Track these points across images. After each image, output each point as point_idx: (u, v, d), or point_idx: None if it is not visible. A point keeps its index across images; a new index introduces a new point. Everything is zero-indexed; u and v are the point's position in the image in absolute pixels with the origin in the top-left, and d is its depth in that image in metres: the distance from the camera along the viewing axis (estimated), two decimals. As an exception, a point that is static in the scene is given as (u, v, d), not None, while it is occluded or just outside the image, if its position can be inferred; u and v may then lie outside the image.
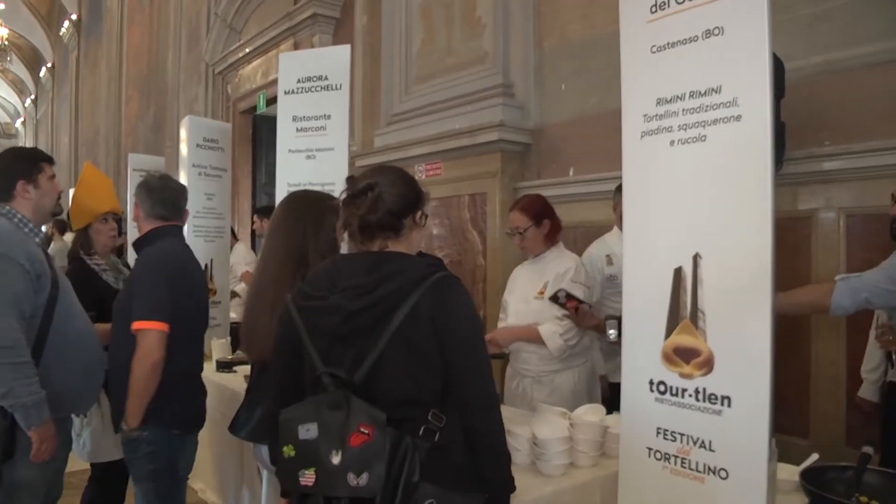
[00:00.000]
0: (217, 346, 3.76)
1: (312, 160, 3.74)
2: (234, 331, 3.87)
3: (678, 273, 1.66)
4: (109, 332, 2.35)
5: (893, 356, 2.53)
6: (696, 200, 1.63)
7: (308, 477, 1.37)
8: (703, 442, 1.63)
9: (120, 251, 3.82)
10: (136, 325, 2.16)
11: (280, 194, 3.69)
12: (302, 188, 2.58)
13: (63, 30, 17.72)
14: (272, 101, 6.68)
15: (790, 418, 2.89)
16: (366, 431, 1.35)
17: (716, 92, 1.57)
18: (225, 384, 3.25)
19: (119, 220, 3.14)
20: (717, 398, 1.60)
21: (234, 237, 5.57)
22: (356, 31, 5.80)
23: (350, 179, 1.57)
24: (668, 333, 1.68)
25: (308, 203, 2.10)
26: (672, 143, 1.67)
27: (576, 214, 3.75)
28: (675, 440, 1.68)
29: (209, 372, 3.01)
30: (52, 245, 7.28)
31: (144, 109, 11.52)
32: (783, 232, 2.24)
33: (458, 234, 4.50)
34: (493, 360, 1.62)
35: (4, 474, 2.03)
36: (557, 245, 2.86)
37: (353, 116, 5.09)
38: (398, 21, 5.15)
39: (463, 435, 1.47)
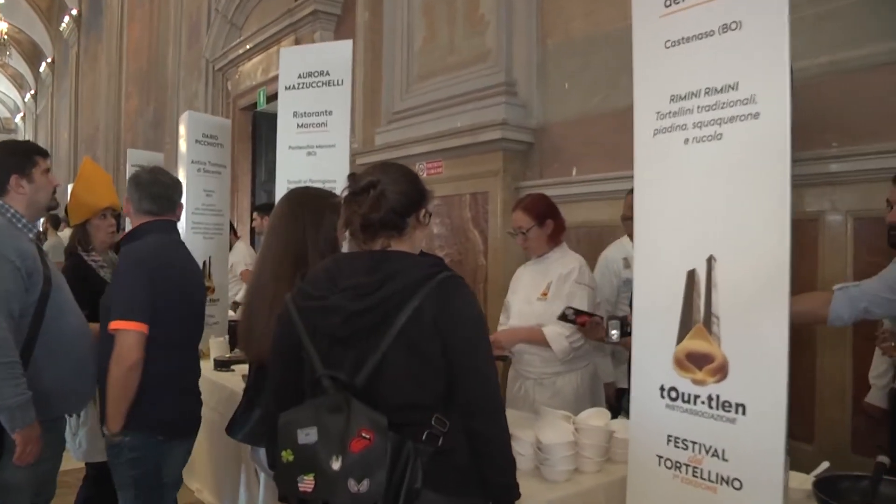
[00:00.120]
0: (215, 345, 3.72)
1: (313, 157, 3.69)
2: (233, 329, 3.83)
3: (691, 276, 1.61)
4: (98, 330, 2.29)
5: None
6: (710, 201, 1.59)
7: (307, 483, 1.34)
8: (715, 450, 1.58)
9: (118, 248, 3.77)
10: (112, 325, 2.06)
11: (280, 191, 3.64)
12: (302, 185, 2.54)
13: (63, 25, 17.67)
14: (272, 97, 6.66)
15: (795, 423, 2.83)
16: (367, 436, 1.32)
17: (732, 88, 1.53)
18: (223, 383, 3.22)
19: (118, 216, 3.09)
20: (731, 406, 1.55)
21: (235, 235, 5.53)
22: (357, 27, 5.77)
23: (352, 177, 1.54)
24: (681, 338, 1.64)
25: (308, 200, 2.06)
26: (686, 141, 1.63)
27: (578, 214, 3.71)
28: (686, 448, 1.64)
29: (206, 371, 2.97)
30: (46, 241, 7.23)
31: (144, 105, 11.48)
32: (789, 234, 2.21)
33: (460, 233, 4.47)
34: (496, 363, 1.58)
35: None
36: (561, 245, 2.82)
37: (354, 114, 5.06)
38: (400, 18, 5.12)
39: (466, 439, 1.44)
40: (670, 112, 1.66)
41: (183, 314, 2.26)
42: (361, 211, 1.47)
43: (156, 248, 2.23)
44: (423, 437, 1.38)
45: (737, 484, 1.55)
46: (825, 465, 1.84)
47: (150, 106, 11.15)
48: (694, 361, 1.61)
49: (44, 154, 2.25)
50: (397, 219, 1.48)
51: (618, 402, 3.02)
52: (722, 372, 1.56)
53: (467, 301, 1.46)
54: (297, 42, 6.42)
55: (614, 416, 2.22)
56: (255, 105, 7.61)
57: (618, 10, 3.67)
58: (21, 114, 26.80)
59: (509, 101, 4.17)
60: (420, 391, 1.41)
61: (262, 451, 1.94)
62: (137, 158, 5.64)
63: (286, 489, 1.38)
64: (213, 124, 4.60)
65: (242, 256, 5.42)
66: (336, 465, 1.31)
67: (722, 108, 1.55)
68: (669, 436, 1.68)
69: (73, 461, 2.72)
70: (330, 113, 3.68)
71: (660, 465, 1.70)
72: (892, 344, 2.33)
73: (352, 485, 1.30)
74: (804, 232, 2.92)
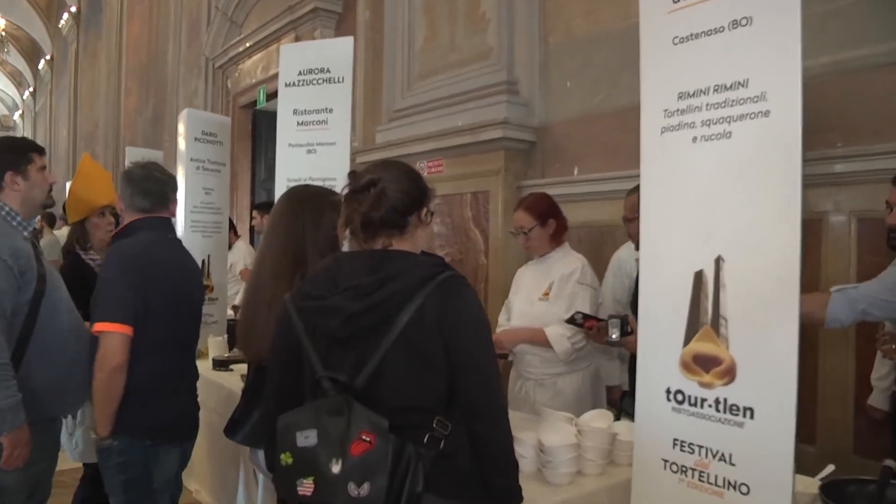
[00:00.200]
0: (213, 344, 3.69)
1: (313, 155, 3.66)
2: (231, 328, 3.80)
3: (699, 276, 1.58)
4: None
5: None
6: (719, 200, 1.56)
7: (306, 486, 1.32)
8: (722, 455, 1.56)
9: (115, 246, 3.74)
10: (96, 327, 2.00)
11: (279, 190, 3.61)
12: (302, 183, 2.51)
13: (62, 22, 17.62)
14: (272, 95, 6.62)
15: (797, 425, 2.83)
16: (367, 439, 1.29)
17: (742, 86, 1.50)
18: (221, 383, 3.19)
19: (117, 214, 3.06)
20: (738, 409, 1.52)
21: (235, 234, 5.49)
22: (358, 25, 5.74)
23: (352, 174, 1.51)
24: (688, 340, 1.61)
25: (308, 198, 2.04)
26: (694, 139, 1.60)
27: (580, 214, 3.68)
28: (692, 452, 1.61)
29: (204, 370, 2.94)
30: (41, 239, 7.20)
31: (143, 103, 11.45)
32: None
33: (460, 232, 4.45)
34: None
35: None
36: (563, 245, 2.80)
37: (355, 112, 5.04)
38: (401, 16, 5.10)
39: (468, 442, 1.41)
40: (678, 110, 1.63)
41: (174, 314, 2.18)
42: (362, 209, 1.44)
43: (145, 246, 2.16)
44: (425, 441, 1.36)
45: (744, 489, 1.52)
46: (830, 468, 1.81)
47: (149, 103, 11.12)
48: (701, 364, 1.58)
49: (40, 151, 2.22)
50: (398, 217, 1.45)
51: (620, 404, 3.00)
52: (730, 375, 1.54)
53: (470, 301, 1.43)
54: (298, 40, 6.39)
55: (618, 418, 2.20)
56: (254, 103, 7.58)
57: (619, 8, 3.66)
58: (20, 111, 26.74)
59: (511, 99, 4.15)
60: (421, 393, 1.39)
61: (261, 453, 1.92)
62: (136, 156, 5.56)
63: (285, 493, 1.36)
64: (212, 122, 4.56)
65: (242, 256, 5.38)
66: (336, 468, 1.28)
67: (731, 105, 1.52)
68: (675, 439, 1.65)
69: (70, 461, 2.69)
70: (330, 110, 3.65)
71: (665, 469, 1.67)
72: (893, 346, 2.31)
73: (352, 489, 1.27)
74: (807, 232, 2.89)
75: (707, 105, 1.57)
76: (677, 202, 1.65)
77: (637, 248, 2.39)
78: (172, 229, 2.36)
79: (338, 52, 3.69)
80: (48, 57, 20.18)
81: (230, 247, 5.06)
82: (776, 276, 1.45)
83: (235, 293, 4.91)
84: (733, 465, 1.54)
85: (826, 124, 2.83)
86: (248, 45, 7.47)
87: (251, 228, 6.96)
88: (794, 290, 1.42)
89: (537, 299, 2.73)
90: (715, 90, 1.55)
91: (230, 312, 4.44)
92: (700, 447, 1.60)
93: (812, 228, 2.90)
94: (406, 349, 1.36)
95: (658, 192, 1.70)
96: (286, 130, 3.75)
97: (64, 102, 17.98)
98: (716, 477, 1.58)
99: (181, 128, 4.37)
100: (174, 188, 2.34)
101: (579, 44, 3.97)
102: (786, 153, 1.43)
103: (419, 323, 1.36)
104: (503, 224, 4.04)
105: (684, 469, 1.63)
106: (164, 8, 10.36)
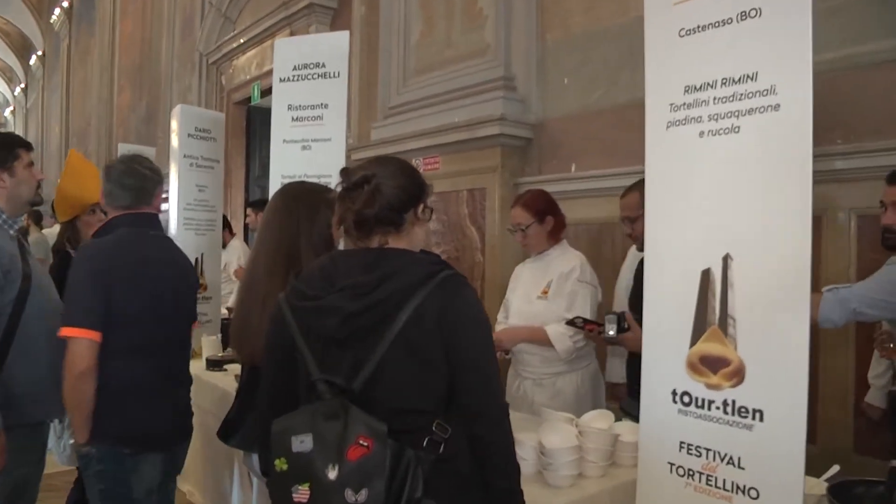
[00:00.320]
0: (207, 344, 3.64)
1: (308, 151, 3.61)
2: (225, 328, 3.75)
3: (706, 275, 1.55)
4: None
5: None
6: (727, 197, 1.52)
7: (302, 493, 1.27)
8: (731, 458, 1.52)
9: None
10: (62, 331, 1.90)
11: (273, 187, 3.56)
12: (297, 180, 2.46)
13: (54, 17, 17.45)
14: (267, 92, 6.56)
15: (803, 425, 2.82)
16: (365, 444, 1.25)
17: (751, 79, 1.46)
18: (215, 383, 3.13)
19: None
20: (747, 412, 1.49)
21: (230, 232, 5.42)
22: (354, 21, 5.70)
23: (344, 171, 1.46)
24: (694, 341, 1.57)
25: (303, 194, 1.99)
26: (701, 134, 1.56)
27: (577, 211, 3.65)
28: (699, 455, 1.57)
29: (198, 370, 2.89)
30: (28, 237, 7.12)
31: (137, 100, 11.37)
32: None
33: (457, 229, 4.41)
34: None
35: None
36: (561, 243, 2.77)
37: (350, 108, 4.99)
38: (397, 11, 5.07)
39: (468, 445, 1.38)
40: (685, 104, 1.59)
41: (155, 315, 2.07)
42: (355, 207, 1.40)
43: (116, 245, 2.04)
44: (424, 444, 1.32)
45: (753, 493, 1.49)
46: (835, 468, 1.78)
47: (142, 100, 11.03)
48: (708, 365, 1.55)
49: (27, 147, 2.17)
50: (394, 215, 1.41)
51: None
52: (738, 376, 1.50)
53: (470, 301, 1.40)
54: (293, 36, 6.33)
55: (618, 419, 2.16)
56: (249, 99, 7.52)
57: (618, 5, 3.63)
58: (11, 108, 26.55)
59: (508, 96, 4.12)
60: (421, 395, 1.35)
61: (256, 457, 1.87)
62: (128, 152, 5.52)
63: (280, 499, 1.31)
64: (205, 118, 4.51)
65: (237, 255, 5.32)
66: (332, 474, 1.24)
67: (740, 99, 1.49)
68: (682, 442, 1.61)
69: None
70: (326, 106, 3.59)
71: (671, 472, 1.63)
72: (891, 346, 2.30)
73: (349, 495, 1.23)
74: (808, 229, 2.88)
75: (714, 99, 1.53)
76: (683, 198, 1.61)
77: (638, 249, 2.36)
78: (156, 225, 2.24)
79: (333, 46, 3.64)
80: (40, 53, 20.02)
81: (225, 245, 5.00)
82: (786, 274, 1.42)
83: (229, 293, 4.86)
84: (742, 468, 1.50)
85: (826, 121, 2.80)
86: (242, 41, 7.42)
87: (245, 226, 6.91)
88: (805, 289, 1.39)
89: (536, 297, 2.70)
90: (723, 83, 1.52)
91: (224, 311, 4.39)
92: (708, 450, 1.57)
93: (812, 225, 2.88)
94: (405, 349, 1.32)
95: (664, 189, 1.66)
96: (281, 126, 3.70)
97: (56, 99, 17.85)
98: (724, 481, 1.54)
99: (174, 124, 4.31)
100: (157, 182, 2.23)
101: (577, 40, 3.94)
102: (796, 148, 1.39)
103: (418, 322, 1.32)
104: (500, 221, 4.01)
105: (691, 473, 1.60)
106: (158, 3, 10.29)
